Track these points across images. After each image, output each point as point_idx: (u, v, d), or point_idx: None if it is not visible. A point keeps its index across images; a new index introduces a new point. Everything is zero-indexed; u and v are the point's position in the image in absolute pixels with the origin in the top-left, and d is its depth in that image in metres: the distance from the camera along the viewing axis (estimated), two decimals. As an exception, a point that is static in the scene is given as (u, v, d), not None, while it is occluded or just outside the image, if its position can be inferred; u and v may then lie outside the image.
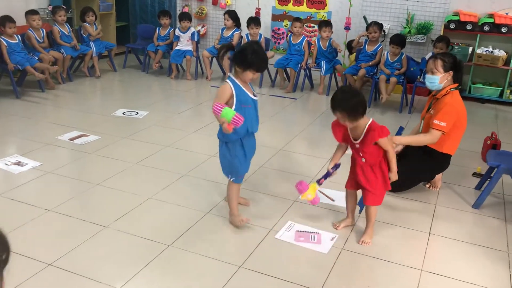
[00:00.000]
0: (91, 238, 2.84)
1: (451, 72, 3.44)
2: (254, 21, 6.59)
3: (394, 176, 2.84)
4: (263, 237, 2.92)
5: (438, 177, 3.71)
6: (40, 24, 5.92)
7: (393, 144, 3.12)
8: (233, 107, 2.78)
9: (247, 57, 2.75)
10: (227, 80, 2.85)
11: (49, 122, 4.87)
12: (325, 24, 6.33)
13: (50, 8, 6.57)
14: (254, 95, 2.90)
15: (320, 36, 6.40)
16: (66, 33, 6.32)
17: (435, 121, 3.36)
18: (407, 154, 3.61)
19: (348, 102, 2.67)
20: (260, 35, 6.66)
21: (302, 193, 2.94)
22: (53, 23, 6.44)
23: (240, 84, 2.82)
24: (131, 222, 3.03)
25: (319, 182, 2.98)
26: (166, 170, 3.80)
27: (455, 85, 3.47)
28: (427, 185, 3.72)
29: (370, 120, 2.77)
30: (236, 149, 2.93)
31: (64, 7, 6.50)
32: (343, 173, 3.99)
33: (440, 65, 3.44)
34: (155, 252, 2.71)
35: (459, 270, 2.71)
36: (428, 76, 3.51)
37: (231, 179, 3.00)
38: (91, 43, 6.62)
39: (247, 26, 6.58)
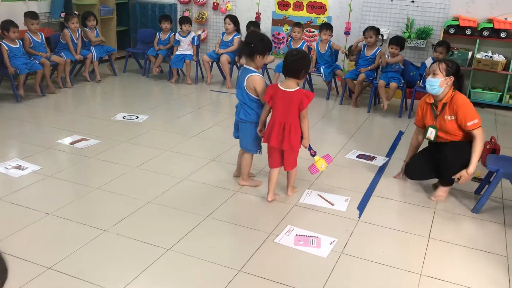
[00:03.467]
0: (91, 241, 2.84)
1: (452, 78, 3.48)
2: (254, 25, 6.61)
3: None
4: (262, 241, 2.92)
5: (445, 189, 3.61)
6: (38, 28, 5.94)
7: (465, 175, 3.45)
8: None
9: (267, 43, 3.45)
10: (257, 73, 3.40)
11: (49, 126, 4.88)
12: (326, 27, 6.34)
13: (63, 15, 6.63)
14: None
15: (320, 40, 6.42)
16: (74, 39, 6.38)
17: (469, 123, 3.41)
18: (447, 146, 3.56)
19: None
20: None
21: (317, 171, 3.46)
22: (55, 28, 6.44)
23: None
24: (130, 226, 3.04)
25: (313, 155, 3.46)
26: (166, 174, 3.81)
27: (452, 87, 3.53)
28: (432, 198, 3.60)
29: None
30: (255, 128, 3.51)
31: (77, 13, 6.54)
32: (343, 178, 4.00)
33: (443, 68, 3.47)
34: (154, 256, 2.72)
35: (458, 275, 2.71)
36: (428, 79, 3.51)
37: (259, 152, 3.59)
38: (92, 48, 6.65)
39: (247, 30, 6.61)
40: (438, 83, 3.46)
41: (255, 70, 3.43)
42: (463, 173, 3.43)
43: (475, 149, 3.42)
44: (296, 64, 3.24)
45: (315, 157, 3.45)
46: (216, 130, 4.98)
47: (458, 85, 3.55)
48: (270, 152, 3.45)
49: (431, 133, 3.61)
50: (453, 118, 3.48)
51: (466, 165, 3.44)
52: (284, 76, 3.33)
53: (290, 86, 3.26)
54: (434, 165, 3.63)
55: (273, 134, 3.31)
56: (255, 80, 3.38)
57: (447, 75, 3.47)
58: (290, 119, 3.26)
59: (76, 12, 6.66)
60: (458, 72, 3.52)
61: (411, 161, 3.81)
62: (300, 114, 3.27)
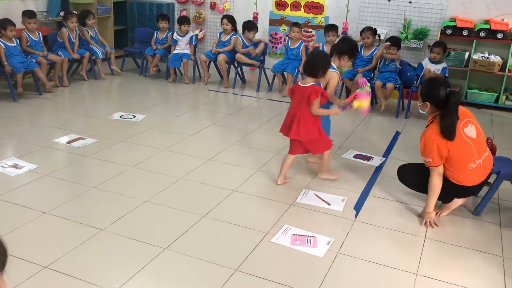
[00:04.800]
0: (87, 240, 2.84)
1: (427, 104, 3.09)
2: (250, 24, 6.64)
3: None
4: (259, 241, 2.93)
5: (450, 206, 3.38)
6: (35, 27, 5.92)
7: None
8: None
9: (357, 49, 4.00)
10: (336, 71, 3.81)
11: (46, 125, 4.87)
12: (330, 28, 6.32)
13: (62, 14, 6.61)
14: None
15: (326, 41, 6.41)
16: (72, 39, 6.37)
17: (423, 158, 3.13)
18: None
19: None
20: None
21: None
22: (53, 26, 6.43)
23: None
24: (127, 225, 3.04)
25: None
26: (163, 174, 3.81)
27: (438, 112, 3.08)
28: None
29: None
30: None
31: (75, 12, 6.52)
32: (339, 178, 4.00)
33: (419, 92, 3.17)
34: (151, 255, 2.72)
35: (454, 274, 2.72)
36: None
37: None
38: (94, 47, 6.63)
39: (247, 31, 6.61)
40: (419, 106, 3.19)
41: (335, 67, 3.81)
42: (423, 213, 3.27)
43: (429, 189, 3.16)
44: (313, 64, 3.51)
45: (353, 104, 3.57)
46: (213, 129, 4.98)
47: (441, 108, 3.06)
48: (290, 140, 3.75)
49: None
50: None
51: (417, 183, 3.33)
52: (304, 74, 3.64)
53: (307, 82, 3.53)
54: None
55: (285, 123, 3.67)
56: (333, 75, 3.77)
57: (423, 100, 3.13)
58: (300, 112, 3.53)
59: (74, 11, 6.65)
60: (430, 96, 3.07)
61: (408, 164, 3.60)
62: (311, 109, 3.49)
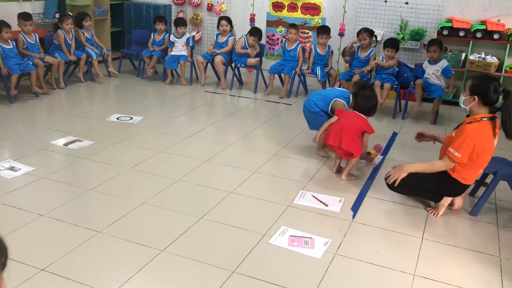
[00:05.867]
0: (84, 243, 2.83)
1: (475, 98, 3.07)
2: (256, 32, 6.64)
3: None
4: (256, 242, 2.93)
5: (443, 203, 3.39)
6: (31, 29, 5.91)
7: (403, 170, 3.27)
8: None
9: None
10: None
11: (43, 127, 4.86)
12: (323, 30, 6.33)
13: (57, 16, 6.61)
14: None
15: (317, 42, 6.42)
16: (68, 40, 6.36)
17: (450, 149, 3.10)
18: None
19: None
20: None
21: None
22: (49, 28, 6.42)
23: None
24: (124, 227, 3.03)
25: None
26: (160, 176, 3.80)
27: (490, 115, 3.10)
28: (429, 210, 3.43)
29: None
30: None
31: (71, 14, 6.52)
32: (337, 179, 4.01)
33: (468, 85, 3.13)
34: (148, 257, 2.71)
35: (451, 275, 2.73)
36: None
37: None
38: (87, 49, 6.62)
39: (249, 34, 6.61)
40: (461, 101, 3.18)
41: (349, 95, 4.36)
42: (398, 168, 3.27)
43: (428, 165, 3.22)
44: (368, 108, 3.96)
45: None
46: (210, 131, 4.98)
47: (490, 106, 3.08)
48: None
49: None
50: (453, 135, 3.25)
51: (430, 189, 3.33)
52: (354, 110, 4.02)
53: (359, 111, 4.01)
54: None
55: (333, 135, 3.93)
56: (341, 105, 4.32)
57: (470, 94, 3.10)
58: (350, 130, 3.87)
59: (70, 13, 6.65)
60: (480, 89, 3.06)
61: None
62: (363, 138, 3.94)
